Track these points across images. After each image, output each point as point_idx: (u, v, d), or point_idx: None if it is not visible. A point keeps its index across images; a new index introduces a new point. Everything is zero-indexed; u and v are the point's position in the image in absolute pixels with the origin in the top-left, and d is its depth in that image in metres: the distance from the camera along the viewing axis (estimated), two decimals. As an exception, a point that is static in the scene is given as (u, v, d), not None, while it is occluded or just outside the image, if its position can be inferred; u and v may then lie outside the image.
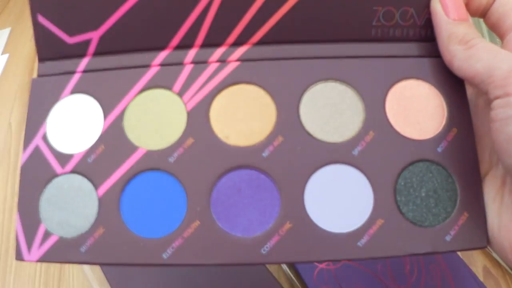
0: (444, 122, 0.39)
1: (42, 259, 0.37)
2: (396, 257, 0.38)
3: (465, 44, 0.36)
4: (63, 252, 0.37)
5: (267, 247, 0.36)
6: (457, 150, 0.38)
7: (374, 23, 0.40)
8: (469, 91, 0.40)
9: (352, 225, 0.36)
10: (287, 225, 0.36)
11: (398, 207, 0.37)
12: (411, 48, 0.40)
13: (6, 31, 0.96)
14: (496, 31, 0.38)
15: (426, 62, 0.40)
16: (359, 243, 0.36)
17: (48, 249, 0.37)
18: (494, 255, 0.55)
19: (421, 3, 0.40)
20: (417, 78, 0.40)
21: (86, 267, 0.60)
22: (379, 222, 0.36)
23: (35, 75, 0.84)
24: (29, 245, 0.38)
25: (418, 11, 0.40)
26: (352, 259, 0.36)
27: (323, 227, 0.36)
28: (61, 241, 0.37)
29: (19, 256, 0.37)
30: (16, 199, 0.69)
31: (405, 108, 0.39)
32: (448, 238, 0.36)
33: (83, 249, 0.37)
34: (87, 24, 0.41)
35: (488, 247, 0.37)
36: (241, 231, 0.37)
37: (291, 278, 0.55)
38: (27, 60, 0.89)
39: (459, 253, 0.53)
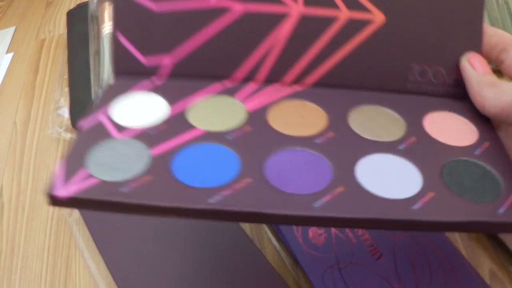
0: (476, 138, 0.43)
1: (76, 195, 0.36)
2: (449, 227, 0.37)
3: (494, 86, 0.42)
4: (102, 191, 0.36)
5: (319, 203, 0.36)
6: (492, 154, 0.41)
7: (410, 78, 0.47)
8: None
9: (404, 194, 0.37)
10: (340, 189, 0.37)
11: (447, 186, 0.38)
12: (441, 101, 0.46)
13: (11, 30, 0.96)
14: None
15: (455, 103, 0.46)
16: (413, 207, 0.37)
17: (85, 187, 0.36)
18: (501, 257, 0.55)
19: (451, 65, 0.46)
20: (449, 111, 0.45)
21: (93, 267, 0.60)
22: (430, 194, 0.37)
23: (40, 74, 0.85)
24: (65, 181, 0.37)
25: (448, 72, 0.46)
26: (407, 220, 0.36)
27: (377, 193, 0.37)
28: (102, 183, 0.37)
29: (50, 190, 0.36)
30: (21, 198, 0.69)
31: (440, 127, 0.44)
32: (501, 211, 0.37)
33: (124, 189, 0.36)
34: (163, 47, 0.46)
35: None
36: (293, 189, 0.37)
37: (298, 278, 0.55)
38: (31, 59, 0.89)
39: (465, 256, 0.54)
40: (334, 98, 0.46)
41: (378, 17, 0.46)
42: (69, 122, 0.75)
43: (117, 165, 0.38)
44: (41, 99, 0.81)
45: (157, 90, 0.45)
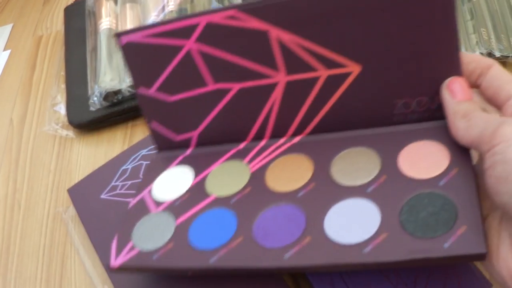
0: (447, 165, 0.46)
1: (123, 265, 0.50)
2: (396, 265, 0.42)
3: (466, 117, 0.43)
4: (140, 259, 0.50)
5: (288, 255, 0.45)
6: (457, 183, 0.44)
7: (395, 112, 0.51)
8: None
9: (360, 238, 0.43)
10: (307, 239, 0.45)
11: (402, 225, 0.43)
12: (425, 126, 0.50)
13: (8, 27, 0.96)
14: (493, 104, 0.45)
15: (436, 129, 0.49)
16: (364, 250, 0.42)
17: (129, 258, 0.50)
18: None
19: (433, 92, 0.49)
20: (427, 139, 0.49)
21: (88, 265, 0.60)
22: (384, 235, 0.43)
23: (36, 71, 0.84)
24: (117, 254, 0.51)
25: (431, 98, 0.49)
26: (357, 263, 0.42)
27: (337, 239, 0.44)
28: (140, 253, 0.50)
29: (107, 263, 0.51)
30: (17, 196, 0.68)
31: (413, 159, 0.48)
32: (446, 245, 0.40)
33: (155, 256, 0.49)
34: (188, 126, 0.58)
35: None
36: (271, 244, 0.46)
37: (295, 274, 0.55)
38: (29, 56, 0.89)
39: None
40: (325, 145, 0.53)
41: (354, 68, 0.51)
42: (65, 119, 0.74)
43: (151, 236, 0.51)
44: (38, 95, 0.81)
45: (187, 161, 0.57)
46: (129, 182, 0.62)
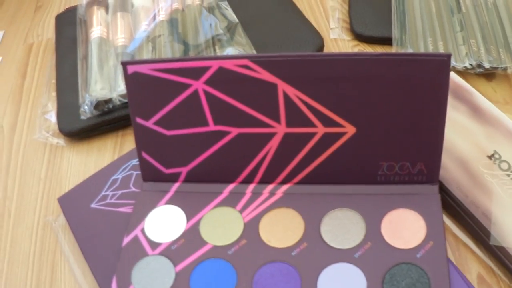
0: (423, 237, 0.53)
1: None
2: None
3: None
4: None
5: None
6: (431, 257, 0.51)
7: (379, 172, 0.57)
8: None
9: None
10: None
11: None
12: (406, 188, 0.57)
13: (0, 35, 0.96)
14: None
15: (414, 197, 0.56)
16: None
17: None
18: (489, 262, 0.55)
19: (415, 159, 0.55)
20: (406, 207, 0.55)
21: (78, 273, 0.60)
22: None
23: (27, 79, 0.84)
24: None
25: (413, 164, 0.56)
26: None
27: None
28: None
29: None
30: (7, 203, 0.68)
31: (394, 227, 0.54)
32: None
33: None
34: (179, 162, 0.60)
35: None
36: None
37: None
38: (20, 64, 0.88)
39: (453, 260, 0.57)
40: (314, 201, 0.57)
41: (350, 129, 0.55)
42: (56, 127, 0.74)
43: (152, 282, 0.53)
44: (29, 103, 0.81)
45: (176, 200, 0.60)
46: (119, 192, 0.62)
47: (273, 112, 0.56)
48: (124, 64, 0.56)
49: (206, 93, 0.56)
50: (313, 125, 0.56)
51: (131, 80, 0.56)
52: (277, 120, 0.56)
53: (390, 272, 0.51)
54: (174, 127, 0.58)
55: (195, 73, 0.55)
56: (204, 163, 0.59)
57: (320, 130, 0.56)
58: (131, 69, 0.56)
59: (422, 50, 0.74)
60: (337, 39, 0.83)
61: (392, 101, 0.53)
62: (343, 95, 0.54)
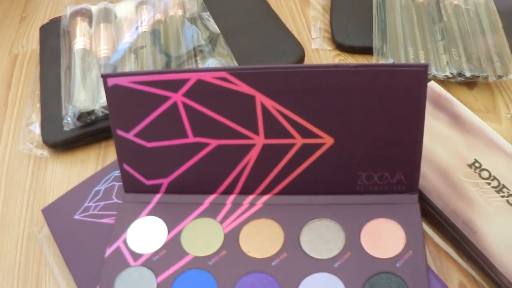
0: (403, 246, 0.53)
1: None
2: None
3: None
4: None
5: None
6: (411, 266, 0.52)
7: (358, 183, 0.57)
8: None
9: None
10: None
11: None
12: (385, 198, 0.57)
13: (-16, 45, 0.96)
14: None
15: (394, 207, 0.57)
16: None
17: None
18: (470, 270, 0.56)
19: (394, 169, 0.56)
20: (385, 217, 0.56)
21: (62, 285, 0.60)
22: None
23: (12, 90, 0.84)
24: None
25: (392, 174, 0.56)
26: None
27: None
28: None
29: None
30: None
31: (373, 237, 0.55)
32: None
33: None
34: (160, 173, 0.60)
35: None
36: None
37: None
38: (5, 75, 0.88)
39: (434, 269, 0.57)
40: (294, 212, 0.58)
41: (328, 140, 0.56)
42: (40, 138, 0.74)
43: None
44: (13, 114, 0.81)
45: (157, 211, 0.60)
46: (102, 203, 0.63)
47: (251, 124, 0.56)
48: (104, 77, 0.56)
49: (185, 105, 0.56)
50: (291, 136, 0.56)
51: (111, 92, 0.57)
52: (256, 132, 0.57)
53: (369, 282, 0.51)
54: (154, 139, 0.59)
55: (174, 85, 0.56)
56: (184, 174, 0.60)
57: (299, 141, 0.56)
58: (111, 81, 0.56)
59: (403, 60, 0.74)
60: (319, 49, 0.83)
61: (370, 112, 0.54)
62: (321, 106, 0.54)
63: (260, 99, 0.55)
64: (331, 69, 0.53)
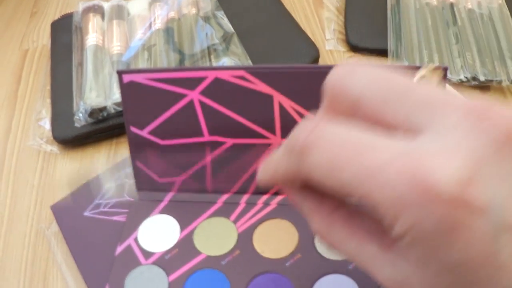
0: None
1: None
2: None
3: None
4: None
5: None
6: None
7: None
8: None
9: None
10: None
11: None
12: None
13: (-6, 39, 0.96)
14: None
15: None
16: None
17: None
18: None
19: None
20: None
21: (70, 282, 0.59)
22: None
23: (22, 85, 0.84)
24: None
25: None
26: None
27: None
28: None
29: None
30: (0, 210, 0.68)
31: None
32: None
33: None
34: (173, 172, 0.60)
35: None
36: None
37: None
38: (14, 70, 0.88)
39: None
40: None
41: None
42: (50, 134, 0.74)
43: None
44: (23, 109, 0.81)
45: (170, 209, 0.60)
46: (113, 201, 0.62)
47: (268, 123, 0.56)
48: (120, 73, 0.56)
49: (202, 104, 0.56)
50: None
51: (127, 89, 0.56)
52: (272, 132, 0.56)
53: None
54: (169, 137, 0.59)
55: (191, 83, 0.55)
56: (198, 173, 0.60)
57: None
58: (126, 78, 0.56)
59: (417, 62, 0.74)
60: (333, 50, 0.83)
61: None
62: None
63: (278, 98, 0.54)
64: None
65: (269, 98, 0.55)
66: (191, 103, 0.56)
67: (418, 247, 0.27)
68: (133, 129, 0.58)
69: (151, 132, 0.58)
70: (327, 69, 0.52)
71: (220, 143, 0.58)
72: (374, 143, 0.28)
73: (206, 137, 0.58)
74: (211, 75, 0.55)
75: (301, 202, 0.36)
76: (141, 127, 0.58)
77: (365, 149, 0.28)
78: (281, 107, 0.55)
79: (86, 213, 0.62)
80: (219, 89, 0.55)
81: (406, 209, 0.26)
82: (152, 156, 0.60)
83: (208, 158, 0.59)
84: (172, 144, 0.59)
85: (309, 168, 0.30)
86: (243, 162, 0.59)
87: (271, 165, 0.36)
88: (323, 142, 0.30)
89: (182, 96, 0.56)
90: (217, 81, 0.55)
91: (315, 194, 0.35)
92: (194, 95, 0.56)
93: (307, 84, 0.53)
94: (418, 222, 0.26)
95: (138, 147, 0.60)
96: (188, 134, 0.58)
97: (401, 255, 0.29)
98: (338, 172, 0.28)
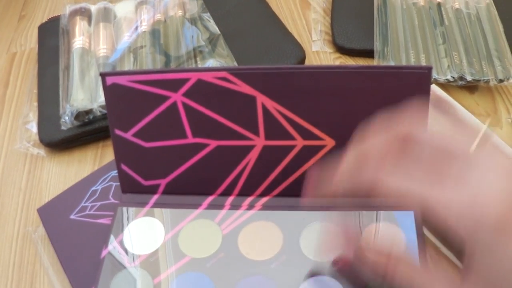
0: (403, 250, 0.53)
1: None
2: None
3: None
4: None
5: None
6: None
7: None
8: None
9: None
10: None
11: None
12: (386, 201, 0.51)
13: (-18, 43, 0.95)
14: None
15: (395, 211, 0.56)
16: None
17: None
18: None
19: None
20: (386, 221, 0.56)
21: (57, 285, 0.59)
22: None
23: (10, 88, 0.84)
24: None
25: None
26: None
27: None
28: None
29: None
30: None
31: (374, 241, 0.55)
32: None
33: None
34: (158, 174, 0.60)
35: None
36: None
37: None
38: (2, 73, 0.88)
39: None
40: (292, 214, 0.57)
41: (329, 142, 0.55)
42: (37, 137, 0.74)
43: None
44: (11, 113, 0.81)
45: (155, 212, 0.59)
46: (99, 203, 0.62)
47: (251, 124, 0.56)
48: (103, 75, 0.56)
49: (185, 105, 0.56)
50: (292, 137, 0.56)
51: (110, 91, 0.56)
52: (256, 133, 0.56)
53: (370, 284, 0.50)
54: (153, 139, 0.58)
55: (174, 85, 0.55)
56: (183, 175, 0.59)
57: (299, 142, 0.56)
58: (110, 80, 0.56)
59: (404, 63, 0.74)
60: (319, 52, 0.83)
61: (372, 114, 0.52)
62: (323, 108, 0.54)
63: (261, 99, 0.54)
64: (334, 70, 0.52)
65: (252, 99, 0.54)
66: (174, 105, 0.56)
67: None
68: (118, 132, 0.58)
69: (135, 135, 0.58)
70: (310, 69, 0.52)
71: (204, 145, 0.58)
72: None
73: (190, 139, 0.58)
74: (193, 77, 0.54)
75: None
76: (125, 130, 0.58)
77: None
78: (264, 108, 0.55)
79: (72, 216, 0.62)
80: (202, 91, 0.55)
81: (476, 229, 0.36)
82: (137, 159, 0.59)
83: (193, 160, 0.58)
84: (156, 146, 0.58)
85: None
86: (227, 164, 0.58)
87: None
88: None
89: (165, 98, 0.56)
90: (199, 82, 0.54)
91: None
92: (177, 97, 0.55)
93: (290, 85, 0.53)
94: (473, 229, 0.36)
95: (122, 150, 0.59)
96: (172, 136, 0.58)
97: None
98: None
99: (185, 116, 0.56)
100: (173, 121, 0.57)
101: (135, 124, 0.57)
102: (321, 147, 0.56)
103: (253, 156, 0.57)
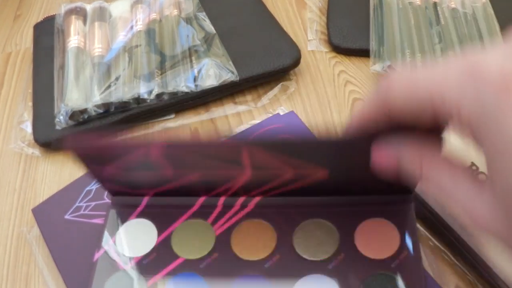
0: (397, 247, 0.53)
1: None
2: None
3: None
4: None
5: None
6: (406, 266, 0.51)
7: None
8: None
9: None
10: None
11: None
12: (380, 198, 0.56)
13: (-24, 43, 0.95)
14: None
15: (388, 207, 0.55)
16: None
17: None
18: (467, 274, 0.56)
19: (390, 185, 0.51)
20: (380, 217, 0.55)
21: (52, 285, 0.59)
22: None
23: (4, 88, 0.84)
24: None
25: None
26: None
27: None
28: None
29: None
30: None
31: (368, 238, 0.54)
32: None
33: None
34: (143, 188, 0.59)
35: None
36: None
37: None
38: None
39: (430, 272, 0.56)
40: (285, 213, 0.57)
41: (322, 173, 0.52)
42: (31, 137, 0.74)
43: None
44: (5, 113, 0.81)
45: (146, 213, 0.59)
46: (93, 203, 0.62)
47: (237, 164, 0.52)
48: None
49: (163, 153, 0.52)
50: (280, 169, 0.52)
51: (80, 157, 0.53)
52: (242, 170, 0.53)
53: (365, 283, 0.51)
54: (130, 176, 0.56)
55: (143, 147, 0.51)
56: (169, 191, 0.58)
57: (290, 172, 0.53)
58: (75, 150, 0.53)
59: (400, 62, 0.74)
60: (315, 51, 0.83)
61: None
62: (314, 158, 0.51)
63: (247, 148, 0.50)
64: (325, 141, 0.48)
65: (237, 148, 0.50)
66: (149, 153, 0.51)
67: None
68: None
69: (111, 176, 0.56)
70: (297, 142, 0.48)
71: (188, 174, 0.55)
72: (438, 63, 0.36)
73: (172, 171, 0.54)
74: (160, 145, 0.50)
75: (398, 146, 0.41)
76: (101, 174, 0.56)
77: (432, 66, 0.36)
78: (251, 153, 0.50)
79: (67, 216, 0.62)
80: (176, 154, 0.52)
81: (466, 94, 0.33)
82: (119, 182, 0.58)
83: (178, 183, 0.56)
84: (138, 178, 0.57)
85: (393, 97, 0.37)
86: (215, 184, 0.57)
87: (361, 107, 0.41)
88: (401, 76, 0.37)
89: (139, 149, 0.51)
90: (169, 148, 0.51)
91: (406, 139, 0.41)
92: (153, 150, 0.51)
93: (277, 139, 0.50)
94: (474, 99, 0.32)
95: (106, 181, 0.58)
96: (150, 176, 0.56)
97: (490, 191, 0.34)
98: (415, 90, 0.36)
99: (164, 160, 0.52)
100: (150, 164, 0.53)
101: (111, 171, 0.55)
102: (312, 175, 0.53)
103: (240, 181, 0.56)
